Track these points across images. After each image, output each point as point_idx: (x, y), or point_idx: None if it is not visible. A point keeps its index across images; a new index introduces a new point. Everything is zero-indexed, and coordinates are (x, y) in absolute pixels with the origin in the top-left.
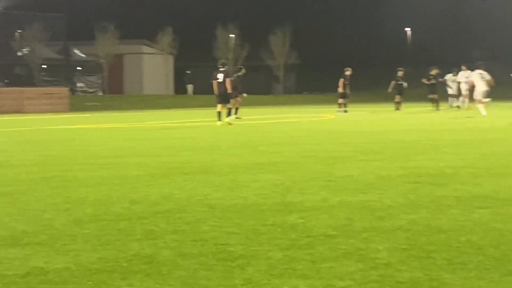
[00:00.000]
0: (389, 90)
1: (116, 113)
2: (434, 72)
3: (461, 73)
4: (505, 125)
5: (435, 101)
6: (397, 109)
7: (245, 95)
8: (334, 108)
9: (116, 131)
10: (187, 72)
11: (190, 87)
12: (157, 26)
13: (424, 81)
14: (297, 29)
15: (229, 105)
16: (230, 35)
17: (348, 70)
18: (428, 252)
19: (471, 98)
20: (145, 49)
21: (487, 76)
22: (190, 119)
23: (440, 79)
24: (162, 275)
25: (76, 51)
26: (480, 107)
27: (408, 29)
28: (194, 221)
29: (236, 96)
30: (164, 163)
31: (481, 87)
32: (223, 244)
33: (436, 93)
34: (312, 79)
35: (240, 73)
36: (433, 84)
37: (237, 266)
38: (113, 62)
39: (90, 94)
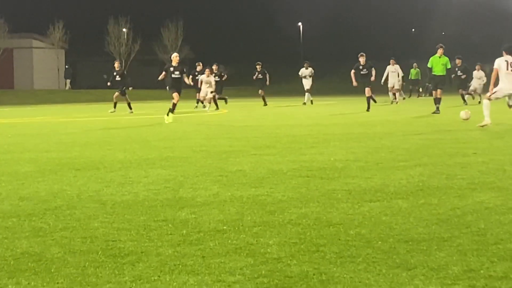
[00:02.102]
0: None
1: (6, 108)
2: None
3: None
4: (396, 119)
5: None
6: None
7: (131, 88)
8: (232, 102)
9: (6, 127)
10: (66, 67)
11: (67, 82)
12: (48, 20)
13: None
14: (189, 22)
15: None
16: (122, 29)
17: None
18: (317, 246)
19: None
20: (36, 43)
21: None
22: (82, 114)
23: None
24: (50, 273)
25: None
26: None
27: (299, 24)
28: (84, 217)
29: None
30: (54, 159)
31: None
32: (113, 241)
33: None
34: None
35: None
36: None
37: (127, 263)
38: (2, 56)
39: None
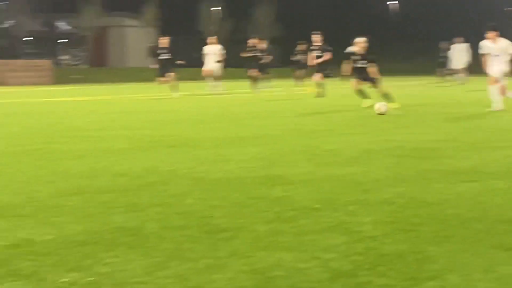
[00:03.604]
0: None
1: (100, 85)
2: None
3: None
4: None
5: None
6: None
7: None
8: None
9: (100, 104)
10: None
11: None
12: None
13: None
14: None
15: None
16: (214, 8)
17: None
18: (413, 225)
19: None
20: (129, 21)
21: None
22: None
23: None
24: (146, 247)
25: (61, 24)
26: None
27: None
28: (179, 194)
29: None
30: (148, 136)
31: None
32: (208, 217)
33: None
34: None
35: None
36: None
37: (222, 239)
38: (97, 34)
39: (74, 67)
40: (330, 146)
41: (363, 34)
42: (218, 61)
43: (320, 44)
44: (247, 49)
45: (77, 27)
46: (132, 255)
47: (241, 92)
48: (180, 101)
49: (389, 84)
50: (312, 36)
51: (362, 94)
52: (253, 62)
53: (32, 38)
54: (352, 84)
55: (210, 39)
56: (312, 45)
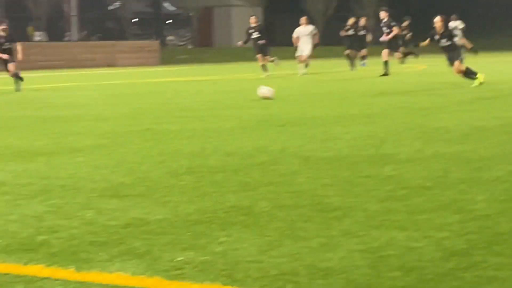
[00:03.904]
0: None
1: (206, 65)
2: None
3: None
4: None
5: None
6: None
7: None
8: (423, 59)
9: (207, 84)
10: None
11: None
12: None
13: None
14: None
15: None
16: None
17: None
18: None
19: None
20: (234, 1)
21: None
22: (279, 71)
23: None
24: (259, 226)
25: (166, 4)
26: None
27: None
28: (289, 173)
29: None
30: (256, 115)
31: None
32: (319, 196)
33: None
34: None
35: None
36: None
37: (334, 217)
38: (202, 14)
39: (180, 47)
40: (439, 123)
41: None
42: (315, 45)
43: (386, 20)
44: (346, 27)
45: (183, 8)
46: (246, 234)
47: (341, 70)
48: (283, 80)
49: (498, 59)
50: (380, 12)
51: (468, 74)
52: (352, 41)
53: (138, 19)
54: (455, 67)
55: (302, 19)
56: (381, 22)
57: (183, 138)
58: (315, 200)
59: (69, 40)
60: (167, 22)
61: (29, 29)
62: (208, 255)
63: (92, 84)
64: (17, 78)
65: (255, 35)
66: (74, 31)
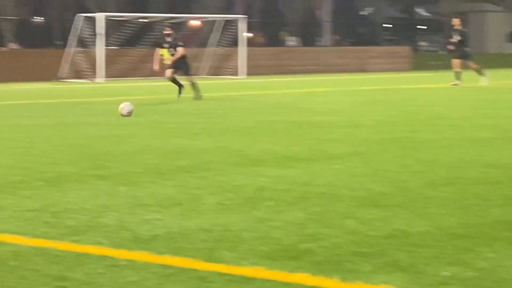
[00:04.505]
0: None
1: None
2: None
3: None
4: None
5: None
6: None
7: None
8: None
9: (459, 91)
10: None
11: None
12: None
13: None
14: None
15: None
16: None
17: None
18: None
19: None
20: (489, 6)
21: None
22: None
23: None
24: None
25: (420, 10)
26: None
27: None
28: None
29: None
30: None
31: None
32: None
33: None
34: None
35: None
36: None
37: None
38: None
39: (432, 53)
40: None
41: None
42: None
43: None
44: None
45: (436, 13)
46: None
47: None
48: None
49: None
50: (453, 19)
51: None
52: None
53: (391, 25)
54: None
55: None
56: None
57: (439, 147)
58: None
59: (321, 45)
60: (419, 27)
61: (282, 34)
62: (474, 271)
63: (344, 90)
64: (176, 84)
65: (457, 38)
66: (326, 36)
